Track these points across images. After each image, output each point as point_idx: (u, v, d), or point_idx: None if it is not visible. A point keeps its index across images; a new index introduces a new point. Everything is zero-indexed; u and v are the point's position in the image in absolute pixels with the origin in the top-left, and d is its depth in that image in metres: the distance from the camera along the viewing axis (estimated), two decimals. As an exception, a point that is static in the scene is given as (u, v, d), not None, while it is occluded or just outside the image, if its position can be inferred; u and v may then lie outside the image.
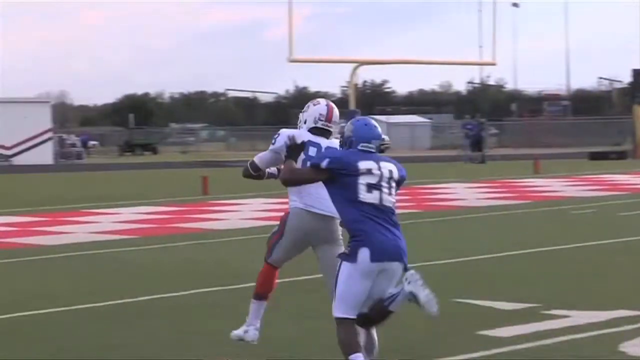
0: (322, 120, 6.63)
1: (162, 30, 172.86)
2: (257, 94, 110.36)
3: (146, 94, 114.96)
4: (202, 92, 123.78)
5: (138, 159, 57.82)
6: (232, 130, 79.62)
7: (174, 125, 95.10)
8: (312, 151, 6.50)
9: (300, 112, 6.77)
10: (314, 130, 6.63)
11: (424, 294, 5.72)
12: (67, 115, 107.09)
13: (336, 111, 6.69)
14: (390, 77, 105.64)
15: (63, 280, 11.02)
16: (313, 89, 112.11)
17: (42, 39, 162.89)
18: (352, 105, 30.82)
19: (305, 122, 6.68)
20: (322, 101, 6.77)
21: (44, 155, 50.00)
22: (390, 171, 5.93)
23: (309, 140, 6.52)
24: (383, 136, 6.06)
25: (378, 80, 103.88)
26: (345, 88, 65.83)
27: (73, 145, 58.70)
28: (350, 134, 5.97)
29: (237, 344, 6.93)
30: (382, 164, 5.93)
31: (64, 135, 59.77)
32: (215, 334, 7.76)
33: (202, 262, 12.22)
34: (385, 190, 5.87)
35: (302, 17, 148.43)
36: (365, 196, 5.82)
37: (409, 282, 5.74)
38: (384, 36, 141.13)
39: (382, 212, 5.83)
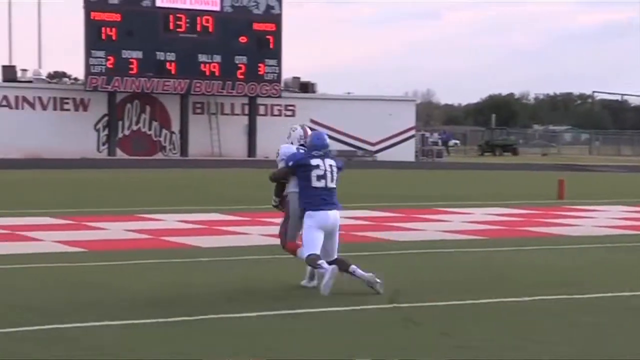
0: (303, 139, 10.01)
1: (529, 30, 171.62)
2: (627, 97, 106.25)
3: (510, 95, 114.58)
4: (569, 94, 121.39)
5: (497, 160, 57.83)
6: (596, 133, 77.34)
7: (536, 126, 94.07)
8: (302, 150, 9.88)
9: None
10: (299, 146, 9.97)
11: (327, 280, 9.29)
12: (432, 114, 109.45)
13: (309, 131, 10.06)
14: None
15: (394, 276, 11.22)
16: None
17: (411, 39, 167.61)
18: None
19: (292, 142, 10.03)
20: (298, 127, 10.23)
21: (407, 152, 51.46)
22: (331, 165, 9.70)
23: (298, 148, 9.93)
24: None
25: None
26: None
27: (435, 143, 59.90)
28: (309, 144, 9.75)
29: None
30: (326, 161, 9.69)
31: (427, 134, 61.11)
32: (549, 343, 7.60)
33: (549, 267, 11.98)
34: (329, 178, 9.62)
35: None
36: (315, 183, 9.58)
37: (330, 272, 9.30)
38: None
39: (327, 191, 9.58)
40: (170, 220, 17.05)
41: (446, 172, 39.54)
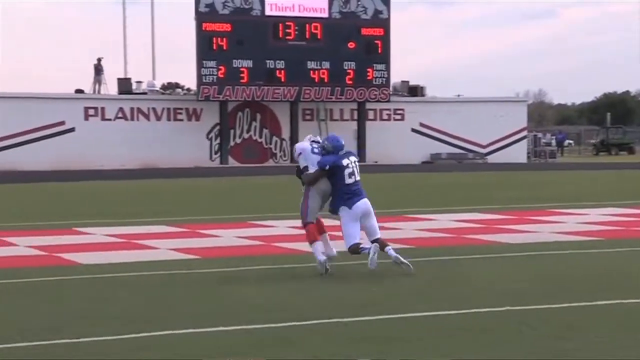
0: (313, 137, 11.69)
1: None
2: None
3: (626, 92, 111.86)
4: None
5: (613, 159, 56.56)
6: None
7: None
8: (314, 145, 11.37)
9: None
10: (311, 142, 11.46)
11: (372, 256, 10.72)
12: (544, 114, 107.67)
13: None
14: None
15: (519, 277, 11.05)
16: None
17: (520, 38, 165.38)
18: None
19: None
20: (310, 135, 12.00)
21: (518, 153, 50.78)
22: (354, 159, 11.28)
23: (311, 142, 11.44)
24: None
25: None
26: None
27: (548, 144, 58.96)
28: (331, 148, 11.21)
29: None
30: (350, 157, 11.27)
31: (539, 134, 60.19)
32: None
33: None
34: (356, 172, 11.16)
35: None
36: (348, 180, 11.08)
37: (373, 248, 10.75)
38: None
39: (356, 185, 11.08)
40: (281, 227, 17.22)
41: (559, 173, 38.85)
